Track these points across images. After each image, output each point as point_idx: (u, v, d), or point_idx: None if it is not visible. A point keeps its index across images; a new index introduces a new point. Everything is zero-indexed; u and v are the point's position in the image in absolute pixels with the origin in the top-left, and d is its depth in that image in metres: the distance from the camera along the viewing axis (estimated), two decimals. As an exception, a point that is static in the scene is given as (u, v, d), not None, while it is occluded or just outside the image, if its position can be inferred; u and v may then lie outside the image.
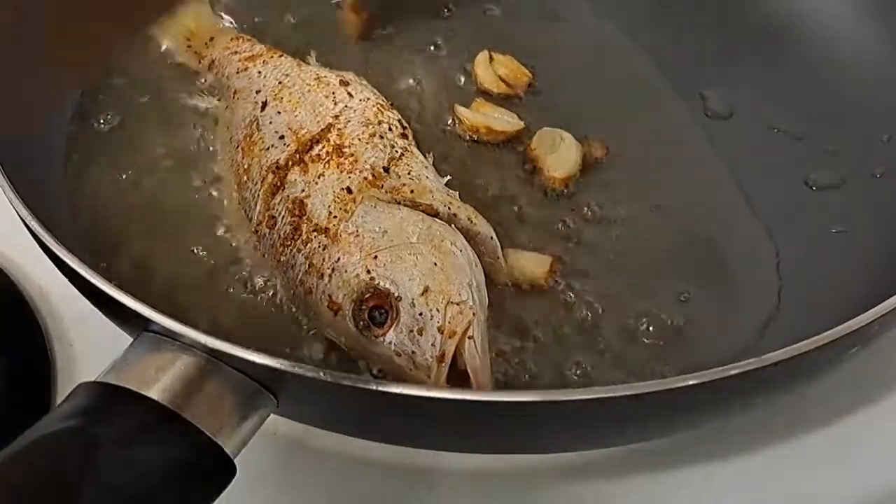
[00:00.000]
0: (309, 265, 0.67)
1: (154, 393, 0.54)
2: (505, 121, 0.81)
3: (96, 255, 0.73)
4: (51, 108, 0.81)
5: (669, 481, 0.69)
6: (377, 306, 0.64)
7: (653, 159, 0.81)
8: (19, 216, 0.63)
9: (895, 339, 0.65)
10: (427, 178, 0.72)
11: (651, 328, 0.70)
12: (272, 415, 0.58)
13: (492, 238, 0.70)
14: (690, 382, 0.55)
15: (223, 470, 0.55)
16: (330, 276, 0.66)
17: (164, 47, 0.87)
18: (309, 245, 0.67)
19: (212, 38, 0.86)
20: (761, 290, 0.73)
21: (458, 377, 0.62)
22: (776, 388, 0.61)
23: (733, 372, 0.56)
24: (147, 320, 0.57)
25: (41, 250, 0.64)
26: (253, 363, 0.55)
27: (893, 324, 0.62)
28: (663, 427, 0.63)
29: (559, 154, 0.79)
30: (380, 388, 0.54)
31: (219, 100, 0.82)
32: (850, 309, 0.62)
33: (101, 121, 0.82)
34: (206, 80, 0.84)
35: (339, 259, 0.66)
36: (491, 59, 0.86)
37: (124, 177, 0.78)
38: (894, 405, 0.73)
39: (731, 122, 0.84)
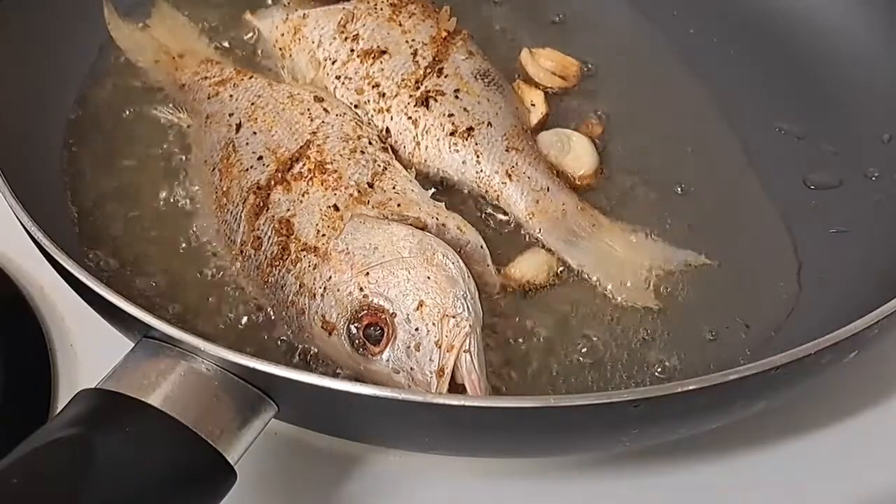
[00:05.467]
0: (300, 285, 0.66)
1: (154, 400, 0.54)
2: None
3: (96, 256, 0.73)
4: (50, 108, 0.81)
5: (669, 481, 0.69)
6: (372, 324, 0.63)
7: (660, 153, 0.81)
8: (21, 223, 0.63)
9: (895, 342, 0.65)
10: (412, 190, 0.71)
11: (650, 329, 0.70)
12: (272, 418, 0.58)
13: (482, 246, 0.70)
14: (691, 387, 0.55)
15: (224, 477, 0.55)
16: (322, 295, 0.65)
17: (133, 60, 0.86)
18: (299, 265, 0.67)
19: (181, 56, 0.84)
20: (759, 290, 0.73)
21: (455, 390, 0.61)
22: (776, 391, 0.62)
23: (733, 377, 0.56)
24: (148, 327, 0.57)
25: (43, 256, 0.64)
26: (254, 370, 0.55)
27: (893, 327, 0.62)
28: (664, 430, 0.63)
29: (574, 153, 0.79)
30: (380, 394, 0.54)
31: (190, 119, 0.81)
32: (849, 309, 0.62)
33: (100, 121, 0.82)
34: (175, 102, 0.82)
35: (330, 278, 0.65)
36: (532, 54, 0.86)
37: (122, 177, 0.78)
38: (894, 407, 0.73)
39: (732, 120, 0.84)
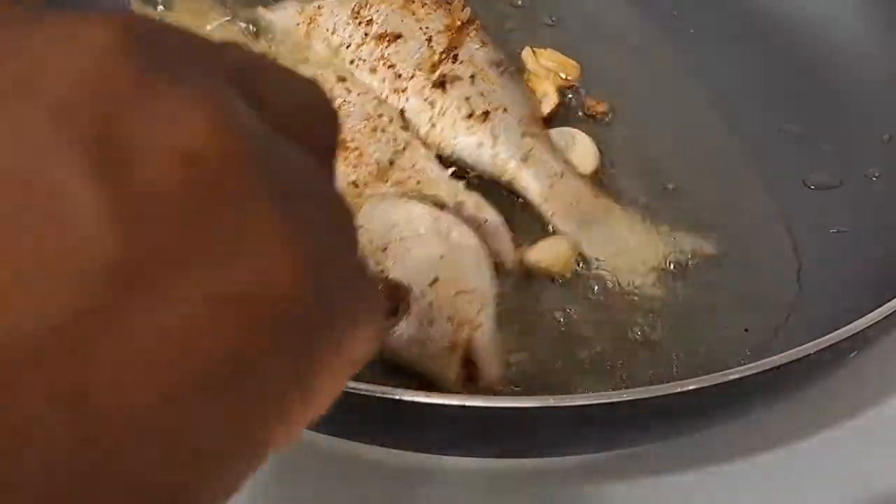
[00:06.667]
0: None
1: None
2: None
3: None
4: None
5: (667, 483, 0.69)
6: (387, 299, 0.65)
7: (659, 154, 0.81)
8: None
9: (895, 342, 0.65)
10: (432, 169, 0.72)
11: (649, 328, 0.70)
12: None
13: (500, 225, 0.71)
14: (691, 387, 0.55)
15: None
16: None
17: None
18: None
19: None
20: (759, 290, 0.73)
21: (467, 367, 0.63)
22: (775, 391, 0.62)
23: (733, 377, 0.56)
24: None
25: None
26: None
27: (893, 327, 0.62)
28: (663, 431, 0.63)
29: (578, 150, 0.79)
30: (379, 395, 0.54)
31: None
32: (849, 309, 0.62)
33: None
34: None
35: None
36: (533, 53, 0.86)
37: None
38: (894, 407, 0.72)
39: (731, 120, 0.84)
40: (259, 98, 0.26)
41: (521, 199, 0.76)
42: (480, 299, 0.64)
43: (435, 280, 0.64)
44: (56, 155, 0.22)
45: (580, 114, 0.83)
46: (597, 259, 0.73)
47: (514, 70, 0.82)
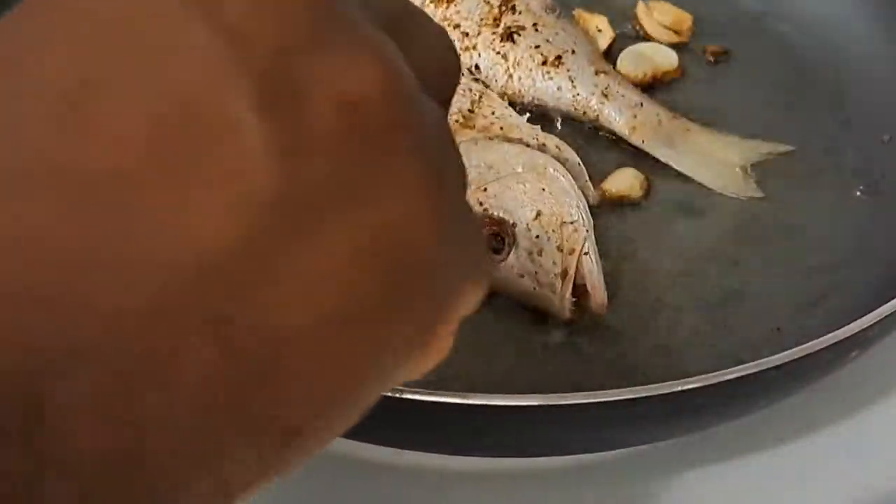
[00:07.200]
0: None
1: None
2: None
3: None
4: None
5: (668, 483, 0.69)
6: (494, 234, 0.68)
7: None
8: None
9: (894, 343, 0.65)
10: (510, 115, 0.76)
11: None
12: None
13: (579, 164, 0.74)
14: (691, 387, 0.55)
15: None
16: None
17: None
18: None
19: None
20: (759, 290, 0.73)
21: (576, 292, 0.67)
22: (775, 391, 0.62)
23: (731, 376, 0.56)
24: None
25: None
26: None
27: (893, 327, 0.62)
28: (663, 431, 0.63)
29: (657, 57, 0.84)
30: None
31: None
32: (849, 309, 0.62)
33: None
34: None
35: None
36: (647, 8, 0.88)
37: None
38: (894, 407, 0.72)
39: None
40: (405, 47, 0.27)
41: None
42: (584, 227, 0.68)
43: (538, 214, 0.68)
44: (229, 82, 0.23)
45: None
46: (689, 173, 0.77)
47: (566, 13, 0.85)
